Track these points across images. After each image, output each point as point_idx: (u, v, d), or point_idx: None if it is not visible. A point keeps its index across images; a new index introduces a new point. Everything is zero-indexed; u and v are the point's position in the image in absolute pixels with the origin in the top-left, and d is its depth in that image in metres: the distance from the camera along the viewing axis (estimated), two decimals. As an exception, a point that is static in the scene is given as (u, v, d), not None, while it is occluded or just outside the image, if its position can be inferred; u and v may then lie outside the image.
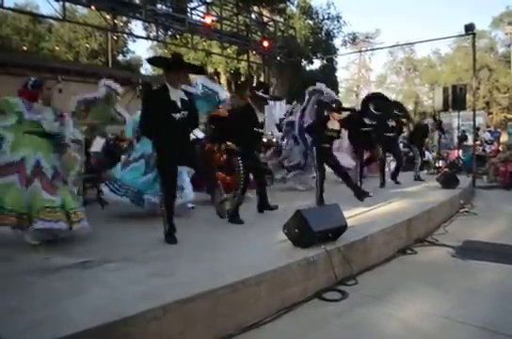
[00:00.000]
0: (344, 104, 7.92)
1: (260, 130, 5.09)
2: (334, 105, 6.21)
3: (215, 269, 2.99)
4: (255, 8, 19.53)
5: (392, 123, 8.25)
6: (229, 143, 5.01)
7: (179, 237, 3.92)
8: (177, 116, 3.79)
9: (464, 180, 8.96)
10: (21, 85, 4.09)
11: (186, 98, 3.94)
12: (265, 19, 18.16)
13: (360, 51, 33.53)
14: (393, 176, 8.57)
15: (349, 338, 2.70)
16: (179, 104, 3.83)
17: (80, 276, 2.90)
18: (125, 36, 27.73)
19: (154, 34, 16.95)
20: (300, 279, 3.25)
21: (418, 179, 9.10)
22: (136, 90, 12.97)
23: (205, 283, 2.66)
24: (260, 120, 5.06)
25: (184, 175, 5.14)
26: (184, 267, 3.06)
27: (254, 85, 6.58)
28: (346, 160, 7.82)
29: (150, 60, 4.44)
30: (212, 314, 2.58)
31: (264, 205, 5.39)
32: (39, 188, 3.73)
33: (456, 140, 14.97)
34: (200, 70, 4.62)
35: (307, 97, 7.37)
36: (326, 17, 23.28)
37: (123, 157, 5.69)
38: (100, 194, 5.90)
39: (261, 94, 5.06)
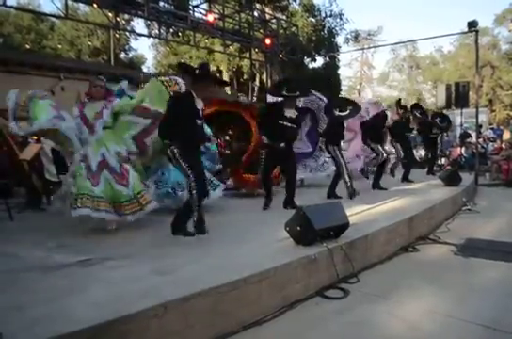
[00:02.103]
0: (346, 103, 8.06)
1: (287, 124, 5.49)
2: None
3: (216, 267, 2.99)
4: (257, 6, 19.52)
5: None
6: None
7: (179, 235, 3.92)
8: (199, 122, 4.10)
9: (466, 178, 8.94)
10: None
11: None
12: (268, 16, 18.15)
13: (363, 48, 33.57)
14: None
15: (351, 336, 2.70)
16: (200, 112, 4.13)
17: (81, 273, 2.91)
18: (127, 34, 27.77)
19: (156, 32, 16.97)
20: (302, 276, 3.25)
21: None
22: (138, 88, 12.94)
23: (206, 281, 2.66)
24: (289, 115, 5.52)
25: None
26: (184, 265, 3.06)
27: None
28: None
29: (181, 66, 4.66)
30: (213, 312, 2.58)
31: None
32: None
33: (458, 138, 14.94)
34: (224, 83, 4.81)
35: None
36: (328, 14, 23.31)
37: None
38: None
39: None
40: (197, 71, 4.08)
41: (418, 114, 9.00)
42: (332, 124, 6.63)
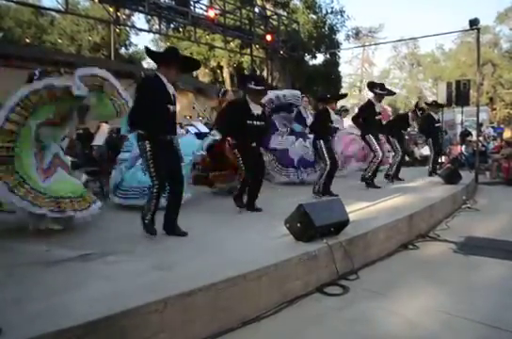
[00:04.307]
0: (347, 99, 8.12)
1: (256, 122, 4.96)
2: None
3: (216, 263, 2.99)
4: (258, 2, 19.46)
5: None
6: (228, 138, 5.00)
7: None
8: (172, 108, 3.79)
9: (467, 176, 8.93)
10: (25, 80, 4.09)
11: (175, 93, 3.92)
12: (269, 13, 18.08)
13: (364, 45, 33.45)
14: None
15: (350, 332, 2.70)
16: (173, 97, 3.84)
17: (81, 268, 2.90)
18: (128, 29, 27.65)
19: (157, 27, 16.90)
20: (302, 273, 3.25)
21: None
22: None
23: (206, 277, 2.66)
24: (255, 112, 4.97)
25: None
26: (185, 261, 3.06)
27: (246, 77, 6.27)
28: None
29: (150, 55, 4.21)
30: (213, 308, 2.58)
31: (250, 205, 5.14)
32: None
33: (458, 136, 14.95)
34: (196, 65, 4.40)
35: None
36: (329, 11, 23.24)
37: (124, 155, 5.59)
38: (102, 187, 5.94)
39: (253, 86, 4.99)
40: (164, 55, 3.88)
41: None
42: (320, 118, 6.38)
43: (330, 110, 6.28)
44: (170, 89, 3.82)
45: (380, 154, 7.17)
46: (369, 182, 7.23)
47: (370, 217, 4.64)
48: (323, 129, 6.21)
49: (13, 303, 2.24)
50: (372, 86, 7.40)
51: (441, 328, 2.74)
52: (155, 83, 3.80)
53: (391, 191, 6.71)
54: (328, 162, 6.12)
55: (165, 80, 3.78)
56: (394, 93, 8.24)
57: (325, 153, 6.12)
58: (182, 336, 2.41)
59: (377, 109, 7.24)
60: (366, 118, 7.23)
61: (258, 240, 3.69)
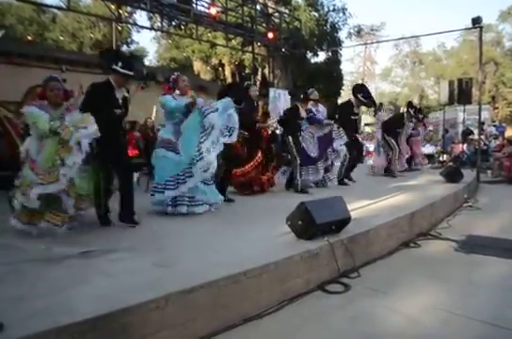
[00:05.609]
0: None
1: None
2: None
3: (217, 260, 2.99)
4: (260, 0, 19.40)
5: None
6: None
7: (182, 229, 3.92)
8: (117, 111, 4.10)
9: (468, 174, 8.93)
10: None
11: (126, 95, 4.25)
12: (271, 10, 18.01)
13: (366, 43, 33.41)
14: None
15: (351, 330, 2.70)
16: (120, 101, 4.15)
17: (83, 265, 2.90)
18: (129, 26, 27.60)
19: (159, 24, 16.86)
20: (303, 271, 3.25)
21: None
22: (140, 81, 12.88)
23: (207, 274, 2.66)
24: None
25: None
26: (186, 258, 3.06)
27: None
28: None
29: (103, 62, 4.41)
30: (214, 305, 2.59)
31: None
32: None
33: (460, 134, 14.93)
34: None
35: None
36: (331, 9, 23.22)
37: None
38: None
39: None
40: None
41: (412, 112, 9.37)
42: (289, 114, 6.75)
43: (301, 108, 6.62)
44: (119, 94, 4.13)
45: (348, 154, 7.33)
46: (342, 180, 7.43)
47: (371, 215, 4.64)
48: (291, 125, 6.61)
49: (15, 300, 2.25)
50: (356, 90, 7.56)
51: (442, 326, 2.74)
52: (103, 89, 4.07)
53: (392, 189, 6.71)
54: (298, 157, 6.46)
55: (115, 85, 4.09)
56: (375, 105, 8.43)
57: (293, 148, 6.47)
58: (183, 333, 2.42)
59: (355, 110, 7.59)
60: (341, 117, 7.40)
61: (259, 238, 3.69)
